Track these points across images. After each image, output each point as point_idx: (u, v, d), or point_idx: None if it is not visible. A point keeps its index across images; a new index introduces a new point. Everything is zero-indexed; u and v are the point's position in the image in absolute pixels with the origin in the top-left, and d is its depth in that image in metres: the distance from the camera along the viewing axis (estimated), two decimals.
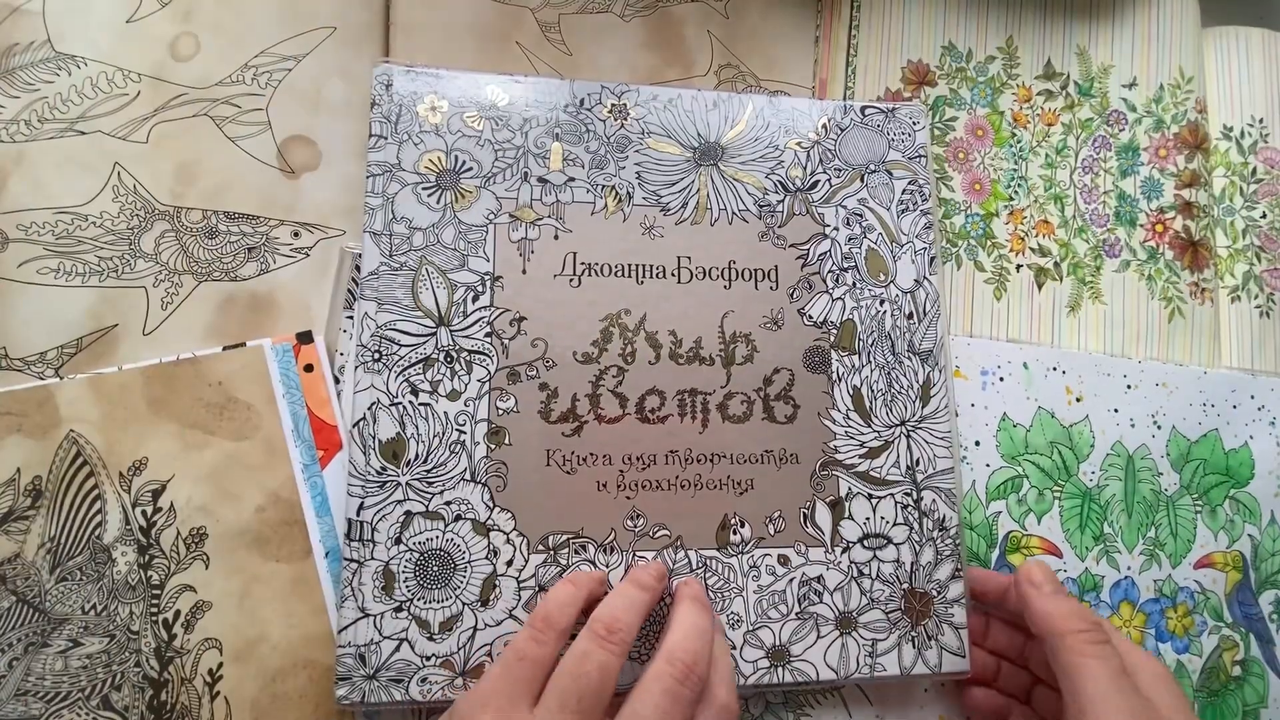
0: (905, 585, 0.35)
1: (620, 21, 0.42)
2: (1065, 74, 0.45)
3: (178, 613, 0.33)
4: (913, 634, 0.35)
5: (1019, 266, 0.42)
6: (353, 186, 0.38)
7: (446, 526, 0.33)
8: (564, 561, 0.33)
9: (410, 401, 0.33)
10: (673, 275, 0.37)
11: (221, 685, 0.32)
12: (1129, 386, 0.41)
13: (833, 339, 0.37)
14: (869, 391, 0.37)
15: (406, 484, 0.33)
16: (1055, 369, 0.41)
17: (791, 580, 0.35)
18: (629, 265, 0.36)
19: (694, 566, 0.34)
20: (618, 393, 0.35)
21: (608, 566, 0.34)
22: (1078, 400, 0.41)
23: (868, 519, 0.36)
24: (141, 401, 0.34)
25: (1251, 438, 0.42)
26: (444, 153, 0.36)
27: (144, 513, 0.33)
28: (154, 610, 0.33)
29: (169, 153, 0.37)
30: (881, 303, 0.38)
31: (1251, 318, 0.44)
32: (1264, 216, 0.45)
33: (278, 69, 0.38)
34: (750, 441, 0.36)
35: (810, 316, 0.37)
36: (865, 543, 0.36)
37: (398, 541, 0.32)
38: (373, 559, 0.32)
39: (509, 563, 0.33)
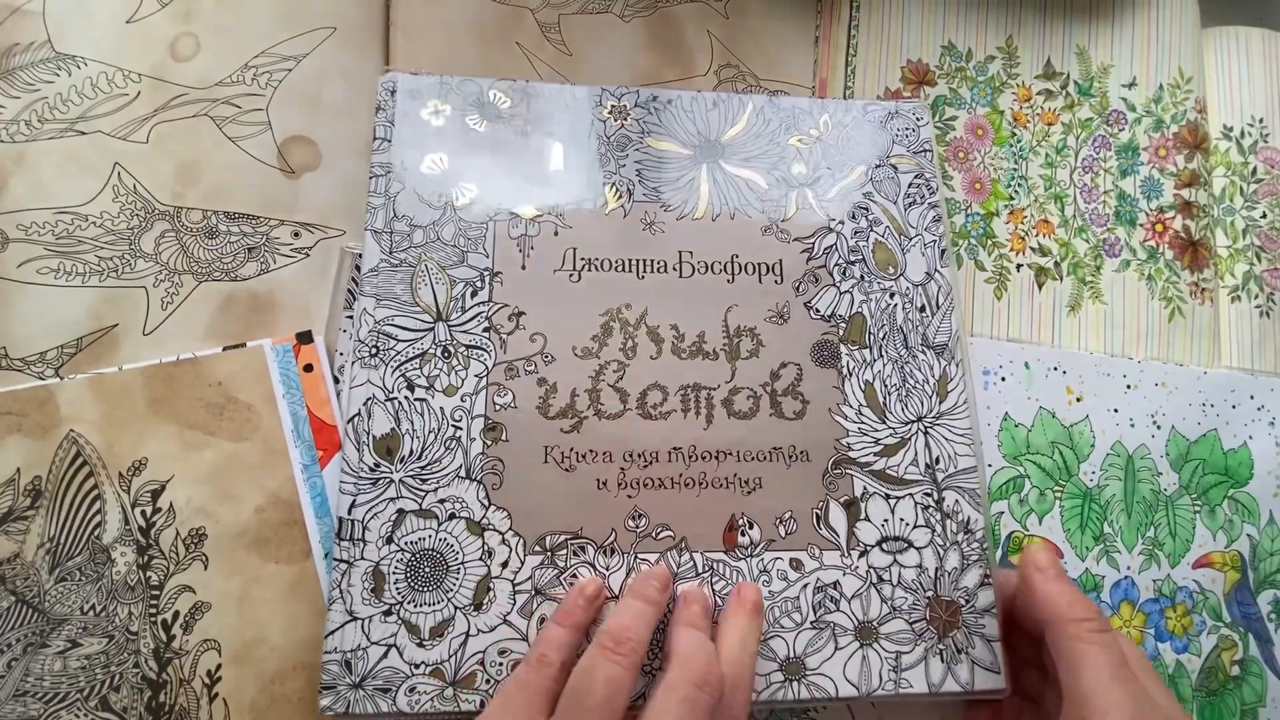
0: (929, 593, 0.33)
1: (620, 22, 0.42)
2: (1065, 74, 0.45)
3: (177, 614, 0.33)
4: (940, 647, 0.33)
5: (1019, 266, 0.42)
6: (353, 186, 0.38)
7: (440, 525, 0.32)
8: (562, 564, 0.32)
9: (406, 397, 0.33)
10: (674, 270, 0.36)
11: (220, 687, 0.32)
12: (1129, 386, 0.41)
13: (842, 333, 0.36)
14: (882, 386, 0.36)
15: (400, 481, 0.32)
16: (1056, 369, 0.41)
17: (805, 586, 0.33)
18: (629, 260, 0.36)
19: (700, 570, 0.33)
20: (618, 388, 0.34)
21: (608, 569, 0.32)
22: (1078, 400, 0.41)
23: (886, 521, 0.34)
24: (141, 402, 0.34)
25: (1251, 438, 0.42)
26: (446, 154, 0.36)
27: (143, 513, 0.33)
28: (153, 611, 0.32)
29: (169, 153, 0.37)
30: (892, 295, 0.37)
31: (1251, 318, 0.44)
32: (1264, 216, 0.45)
33: (278, 69, 0.38)
34: (757, 438, 0.34)
35: (818, 310, 0.36)
36: (884, 546, 0.34)
37: (389, 541, 0.31)
38: (363, 559, 0.31)
39: (504, 564, 0.32)
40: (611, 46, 0.41)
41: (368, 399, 0.33)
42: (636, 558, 0.33)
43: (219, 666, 0.32)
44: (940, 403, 0.36)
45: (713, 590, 0.33)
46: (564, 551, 0.32)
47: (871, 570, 0.33)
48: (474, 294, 0.34)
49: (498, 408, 0.33)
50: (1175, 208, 0.44)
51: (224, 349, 0.35)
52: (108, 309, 0.35)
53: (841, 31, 0.44)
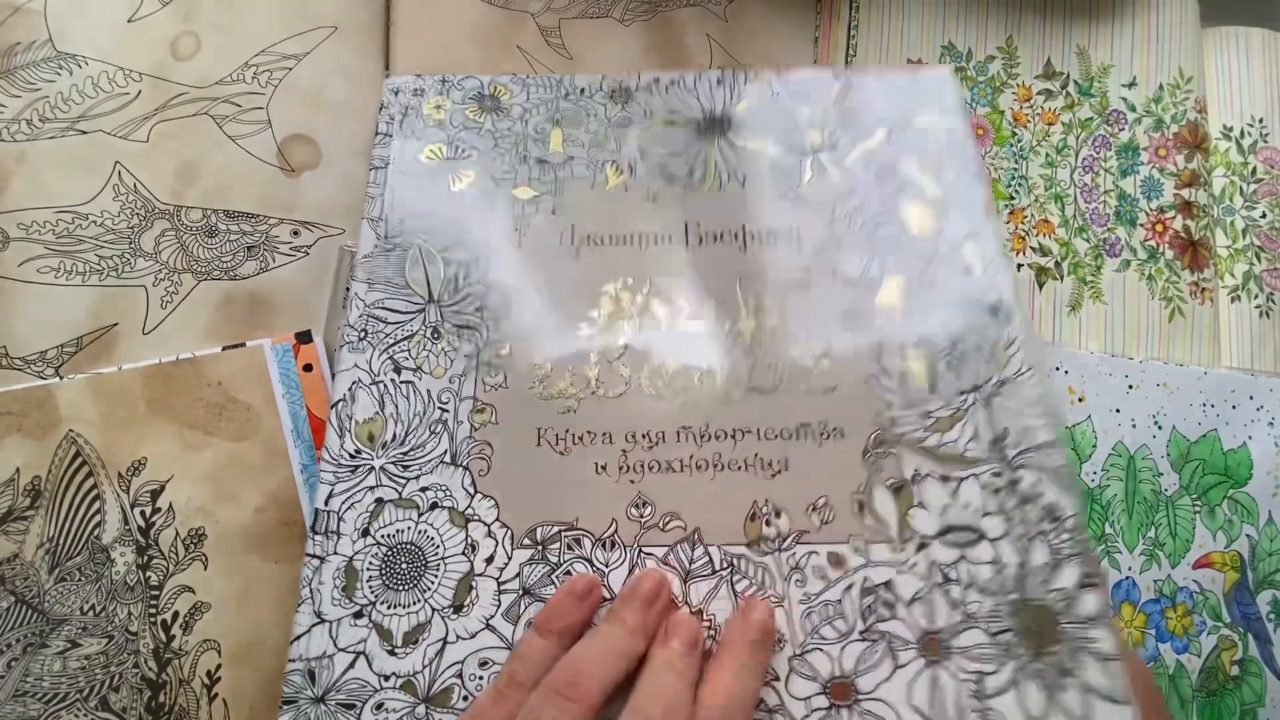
0: (1013, 595, 0.27)
1: (620, 26, 0.42)
2: (1065, 74, 0.45)
3: (176, 614, 0.32)
4: (1037, 667, 0.26)
5: (1020, 266, 0.42)
6: (353, 185, 0.38)
7: (420, 516, 0.29)
8: (554, 559, 0.28)
9: (392, 379, 0.31)
10: (679, 240, 0.33)
11: (220, 687, 0.32)
12: (1130, 387, 0.41)
13: (876, 297, 0.32)
14: (927, 353, 0.31)
15: (380, 468, 0.30)
16: (1058, 369, 0.41)
17: (850, 587, 0.27)
18: (631, 234, 0.33)
19: (718, 566, 0.28)
20: (619, 364, 0.31)
21: (607, 565, 0.28)
22: (1080, 400, 0.41)
23: (946, 507, 0.28)
24: (141, 402, 0.34)
25: (1250, 438, 0.42)
26: (445, 143, 0.36)
27: (143, 513, 0.33)
28: (152, 611, 0.32)
29: (169, 152, 0.37)
30: (930, 258, 0.33)
31: (1251, 318, 0.44)
32: (1264, 216, 0.46)
33: (278, 68, 0.38)
34: (781, 413, 0.30)
35: (845, 275, 0.32)
36: (948, 537, 0.28)
37: (365, 534, 0.29)
38: (335, 554, 0.29)
39: (489, 560, 0.28)
40: (611, 50, 0.41)
41: (353, 383, 0.31)
42: (641, 552, 0.29)
43: (219, 667, 0.32)
44: (1000, 369, 0.31)
45: (732, 589, 0.28)
46: (557, 545, 0.29)
47: (935, 567, 0.27)
48: (467, 274, 0.33)
49: (488, 388, 0.31)
50: (1175, 208, 0.44)
51: (223, 349, 0.35)
52: (108, 308, 0.35)
53: (841, 31, 0.44)
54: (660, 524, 0.29)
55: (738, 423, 0.30)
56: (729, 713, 0.24)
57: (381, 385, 0.31)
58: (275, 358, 0.35)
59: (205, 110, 0.38)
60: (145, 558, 0.33)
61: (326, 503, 0.29)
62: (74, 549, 0.33)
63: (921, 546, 0.28)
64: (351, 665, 0.27)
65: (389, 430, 0.30)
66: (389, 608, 0.28)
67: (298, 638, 0.28)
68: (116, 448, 0.34)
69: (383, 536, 0.29)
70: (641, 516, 0.29)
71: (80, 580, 0.32)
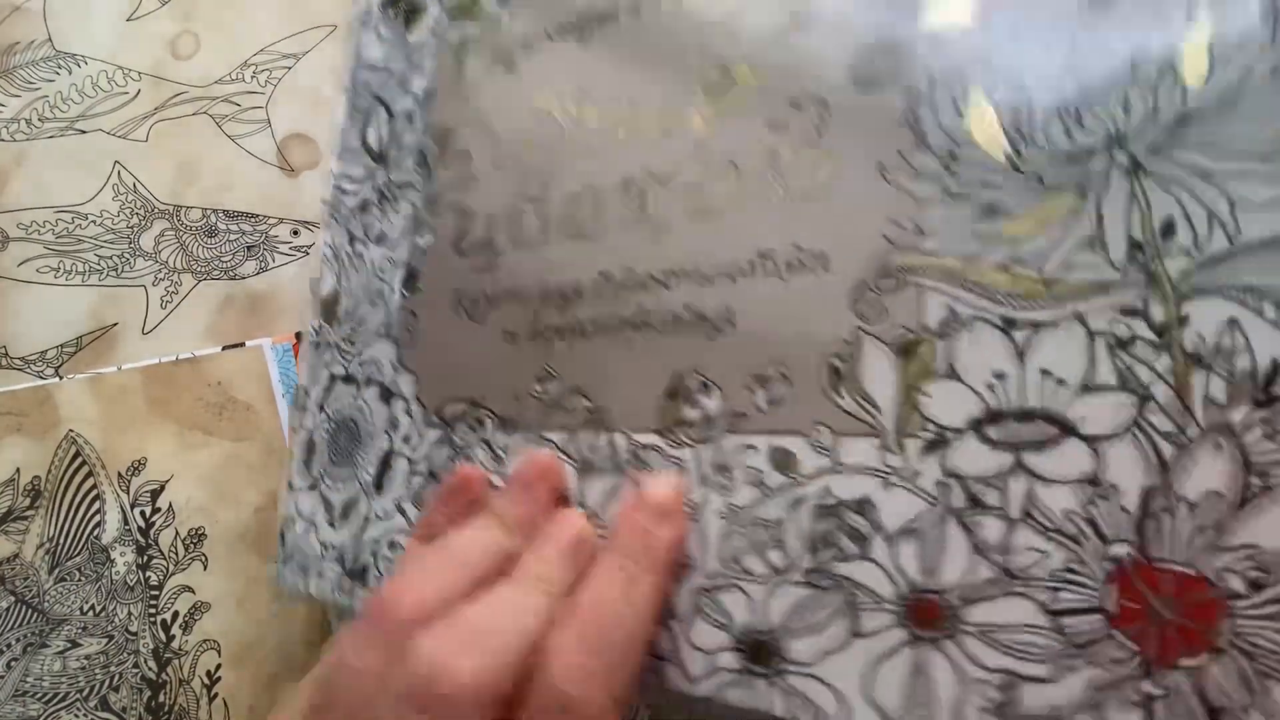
0: (1121, 548, 0.15)
1: None
2: None
3: (176, 614, 0.32)
4: (1148, 688, 0.14)
5: None
6: None
7: (359, 391, 0.28)
8: (460, 441, 0.25)
9: (348, 253, 0.29)
10: (630, 11, 0.24)
11: (220, 687, 0.32)
12: None
13: (920, 16, 0.18)
14: (1015, 97, 0.17)
15: (335, 345, 0.29)
16: None
17: (798, 503, 0.18)
18: (576, 25, 0.25)
19: (619, 461, 0.21)
20: (542, 202, 0.24)
21: (506, 451, 0.23)
22: None
23: (1001, 377, 0.16)
24: (141, 401, 0.34)
25: None
26: None
27: (143, 513, 0.33)
28: (152, 611, 0.32)
29: (169, 151, 0.37)
30: None
31: None
32: None
33: (277, 67, 0.38)
34: (733, 241, 0.20)
35: None
36: (989, 431, 0.16)
37: (321, 408, 0.29)
38: (303, 427, 0.29)
39: (406, 439, 0.26)
40: None
41: (322, 259, 0.30)
42: (540, 436, 0.23)
43: (218, 667, 0.32)
44: (1173, 102, 0.15)
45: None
46: (462, 425, 0.25)
47: (954, 483, 0.16)
48: (410, 123, 0.29)
49: (419, 251, 0.27)
50: None
51: (223, 348, 0.35)
52: (108, 308, 0.35)
53: None
54: (563, 403, 0.22)
55: (672, 263, 0.21)
56: (599, 634, 0.17)
57: (340, 259, 0.30)
58: (275, 357, 0.35)
59: (204, 110, 0.37)
60: (145, 558, 0.33)
61: (306, 379, 0.30)
62: (74, 549, 0.33)
63: (935, 445, 0.16)
64: (305, 533, 0.28)
65: (343, 305, 0.29)
66: (332, 481, 0.28)
67: (281, 499, 0.30)
68: (116, 448, 0.34)
69: (333, 412, 0.29)
70: (544, 393, 0.23)
71: (80, 580, 0.32)
